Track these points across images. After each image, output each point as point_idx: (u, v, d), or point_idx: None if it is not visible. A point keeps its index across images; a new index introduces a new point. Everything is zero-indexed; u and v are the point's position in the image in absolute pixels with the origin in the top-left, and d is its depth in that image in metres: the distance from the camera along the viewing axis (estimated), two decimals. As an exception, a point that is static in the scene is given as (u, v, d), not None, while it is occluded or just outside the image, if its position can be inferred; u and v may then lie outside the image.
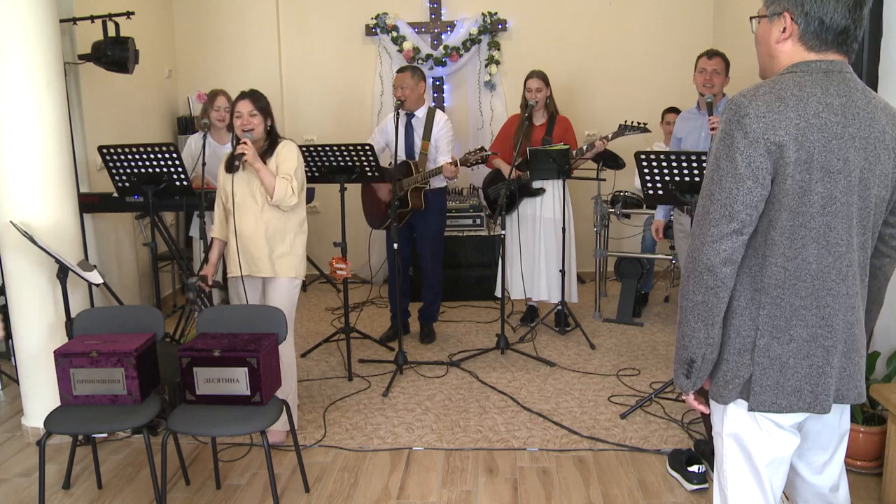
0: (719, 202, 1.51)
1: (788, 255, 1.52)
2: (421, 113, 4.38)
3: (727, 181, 1.50)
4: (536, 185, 4.58)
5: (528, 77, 4.53)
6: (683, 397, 1.75)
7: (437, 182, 4.40)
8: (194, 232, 4.48)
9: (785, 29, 1.55)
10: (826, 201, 1.49)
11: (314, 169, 4.08)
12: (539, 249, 4.68)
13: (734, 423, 1.65)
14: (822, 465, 1.73)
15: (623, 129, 4.33)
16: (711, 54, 3.77)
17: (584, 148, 4.47)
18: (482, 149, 4.25)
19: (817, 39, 1.53)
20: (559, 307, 4.71)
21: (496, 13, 5.89)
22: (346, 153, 4.00)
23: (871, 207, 1.55)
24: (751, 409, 1.59)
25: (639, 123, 4.30)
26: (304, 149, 3.86)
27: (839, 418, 1.70)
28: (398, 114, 4.11)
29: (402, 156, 4.33)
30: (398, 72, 4.40)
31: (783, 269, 1.53)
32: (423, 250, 4.54)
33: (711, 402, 1.72)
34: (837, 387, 1.60)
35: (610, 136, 4.39)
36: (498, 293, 4.71)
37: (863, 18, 1.52)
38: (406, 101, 4.26)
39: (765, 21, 1.60)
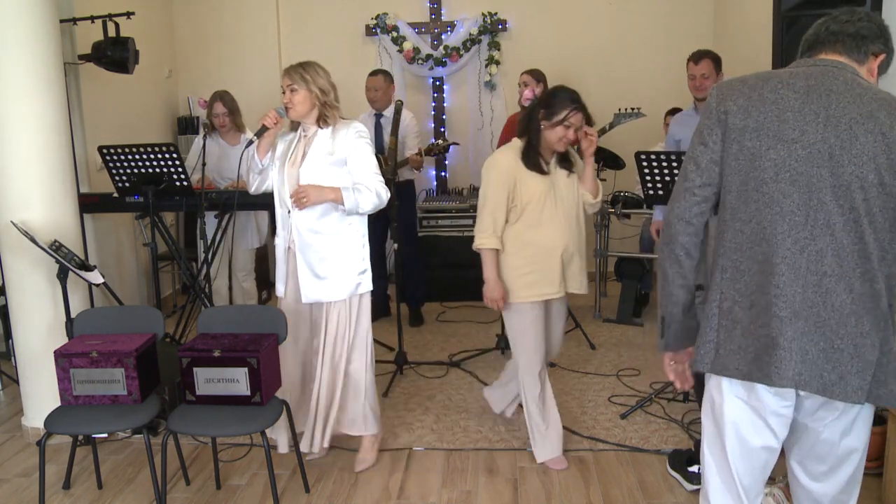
0: (683, 166, 1.74)
1: (744, 219, 1.61)
2: (388, 112, 4.73)
3: (690, 148, 1.72)
4: None
5: (521, 74, 4.64)
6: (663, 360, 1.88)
7: (406, 174, 4.76)
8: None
9: None
10: (779, 168, 1.56)
11: None
12: None
13: (709, 405, 1.72)
14: (820, 475, 1.72)
15: (619, 118, 4.35)
16: (698, 58, 3.68)
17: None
18: (444, 139, 4.69)
19: (803, 54, 1.73)
20: None
21: (496, 13, 5.89)
22: None
23: (853, 187, 1.53)
24: (716, 373, 1.65)
25: (633, 109, 4.32)
26: None
27: (841, 434, 1.65)
28: (400, 112, 4.20)
29: None
30: (371, 75, 4.73)
31: (740, 231, 1.62)
32: (399, 237, 4.65)
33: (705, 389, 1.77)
34: (799, 370, 1.56)
35: (607, 126, 4.39)
36: None
37: (842, 21, 1.67)
38: (377, 102, 4.70)
39: None
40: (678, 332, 1.77)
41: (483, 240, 2.93)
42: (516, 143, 2.94)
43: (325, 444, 3.07)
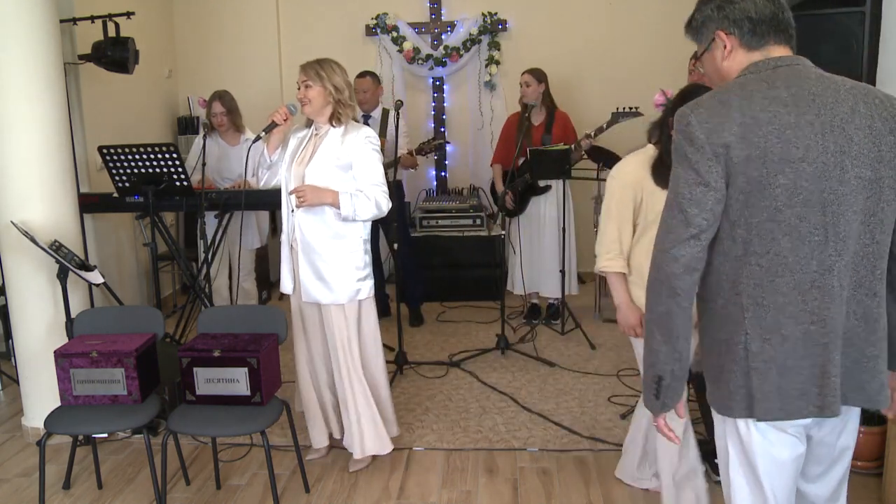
0: (676, 209, 1.52)
1: (759, 252, 1.49)
2: (376, 114, 4.75)
3: (682, 188, 1.51)
4: (542, 182, 4.62)
5: (522, 74, 4.64)
6: (654, 422, 1.68)
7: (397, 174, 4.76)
8: (253, 242, 4.66)
9: (725, 46, 1.59)
10: (791, 193, 1.46)
11: None
12: (545, 247, 4.74)
13: (733, 430, 1.62)
14: (815, 476, 1.70)
15: (616, 117, 4.35)
16: (698, 56, 3.75)
17: (580, 143, 4.51)
18: (435, 138, 4.74)
19: (754, 35, 1.56)
20: (553, 302, 4.87)
21: (496, 13, 5.89)
22: None
23: (857, 189, 1.49)
24: (759, 419, 1.54)
25: (631, 108, 4.33)
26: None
27: (838, 434, 1.64)
28: (398, 114, 4.19)
29: None
30: (358, 76, 4.71)
31: (758, 266, 1.50)
32: (399, 237, 4.67)
33: (713, 412, 1.69)
34: (843, 389, 1.53)
35: (605, 126, 4.39)
36: (517, 290, 4.91)
37: (782, 7, 1.55)
38: (365, 104, 4.69)
39: (706, 54, 1.67)
40: (675, 389, 1.60)
41: (608, 262, 2.55)
42: (649, 150, 2.55)
43: (363, 453, 3.03)
